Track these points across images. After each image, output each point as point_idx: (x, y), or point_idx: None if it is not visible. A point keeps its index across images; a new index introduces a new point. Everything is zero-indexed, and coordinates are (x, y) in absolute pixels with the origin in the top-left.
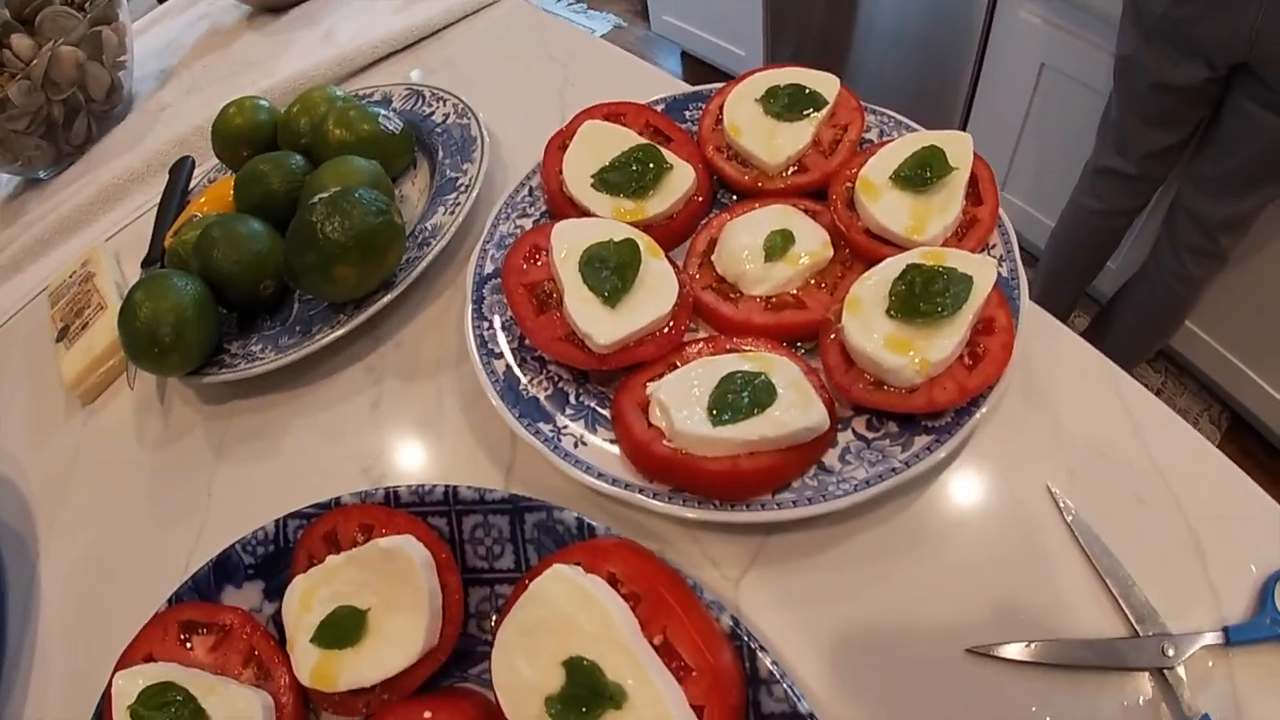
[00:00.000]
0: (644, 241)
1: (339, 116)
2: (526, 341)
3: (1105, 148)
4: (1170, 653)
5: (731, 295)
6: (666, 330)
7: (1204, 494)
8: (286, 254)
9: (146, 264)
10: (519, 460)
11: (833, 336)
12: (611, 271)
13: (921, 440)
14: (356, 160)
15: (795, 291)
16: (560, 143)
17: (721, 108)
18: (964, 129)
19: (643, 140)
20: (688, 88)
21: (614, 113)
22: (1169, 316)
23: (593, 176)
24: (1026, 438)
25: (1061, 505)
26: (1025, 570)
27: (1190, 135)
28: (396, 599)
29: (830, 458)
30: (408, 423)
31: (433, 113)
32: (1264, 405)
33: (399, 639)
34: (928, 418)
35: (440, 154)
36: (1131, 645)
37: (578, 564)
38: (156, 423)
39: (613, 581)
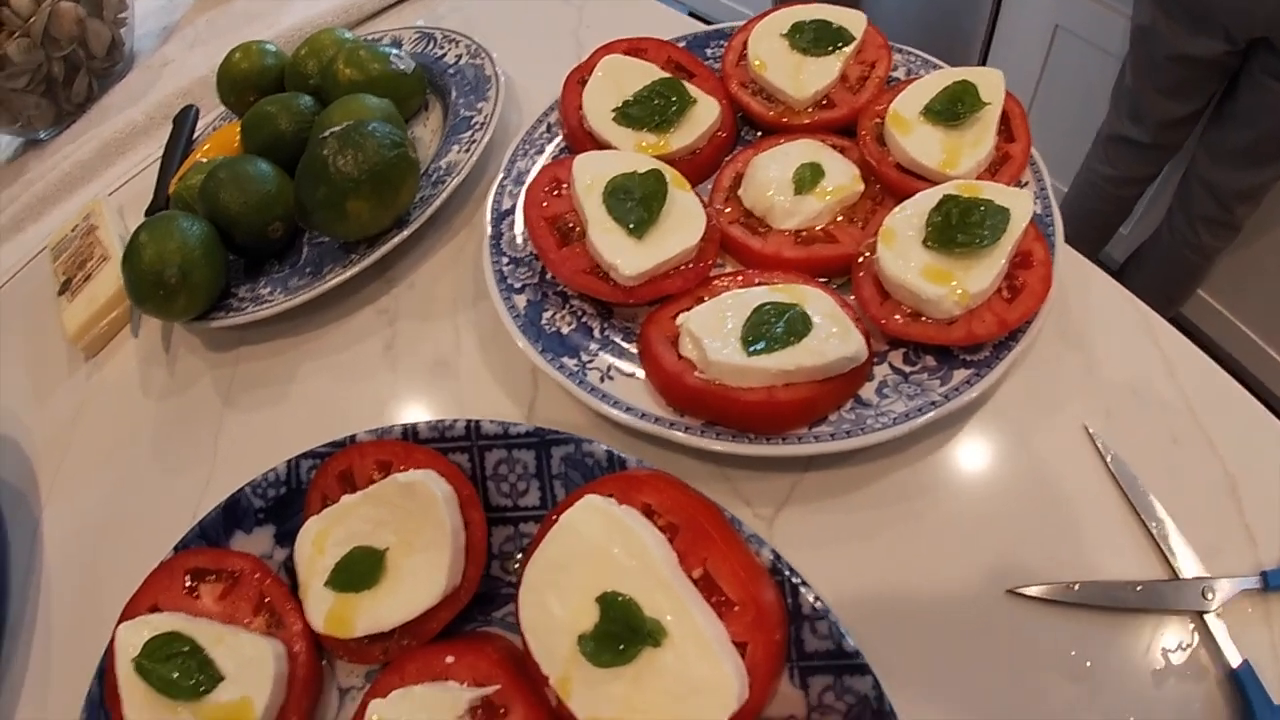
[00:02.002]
0: (669, 173)
1: (349, 56)
2: (548, 276)
3: (1119, 115)
4: (1209, 597)
5: (759, 229)
6: (693, 263)
7: (1238, 437)
8: (296, 191)
9: (151, 213)
10: (541, 397)
11: (866, 269)
12: (637, 203)
13: (960, 374)
14: (367, 98)
15: (825, 226)
16: (579, 77)
17: (745, 43)
18: None
19: (665, 74)
20: (707, 26)
21: (635, 48)
22: (1181, 284)
23: (614, 110)
24: (1063, 378)
25: (1100, 446)
26: (1064, 511)
27: (1205, 105)
28: (416, 537)
29: (867, 391)
30: (423, 364)
31: (445, 55)
32: (1275, 377)
33: (419, 580)
34: (966, 351)
35: (453, 94)
36: (1172, 588)
37: (610, 495)
38: (162, 373)
39: (648, 513)
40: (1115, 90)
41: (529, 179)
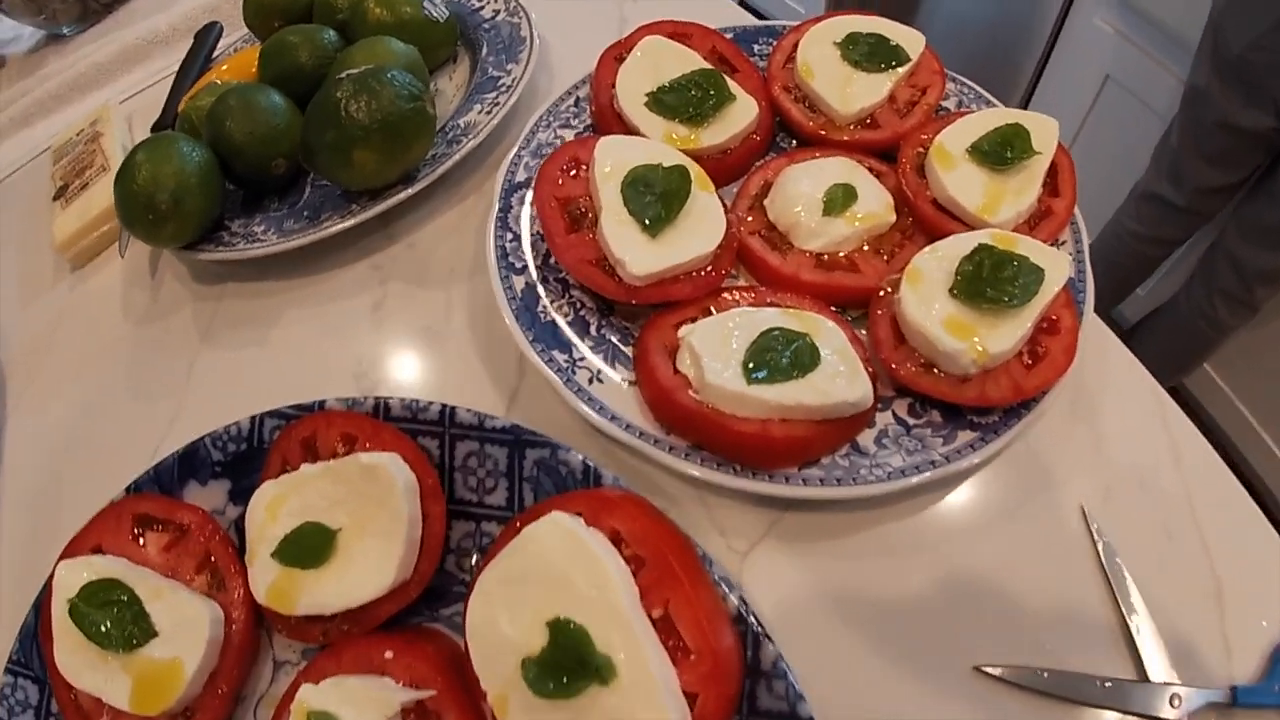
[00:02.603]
0: (695, 171)
1: None
2: (552, 260)
3: (1158, 174)
4: (1176, 705)
5: (780, 246)
6: (706, 271)
7: (1231, 539)
8: (304, 131)
9: (157, 128)
10: (525, 388)
11: (885, 307)
12: (656, 198)
13: (965, 436)
14: (393, 42)
15: (849, 253)
16: (617, 54)
17: (795, 46)
18: None
19: (707, 65)
20: (757, 21)
21: (679, 32)
22: (1191, 355)
23: (647, 95)
24: (1068, 450)
25: (1094, 530)
26: (1045, 591)
27: (1247, 178)
28: (371, 522)
29: (865, 438)
30: (410, 331)
31: (482, 7)
32: (1269, 469)
33: (368, 567)
34: (975, 412)
35: (484, 50)
36: (1140, 689)
37: (579, 514)
38: (144, 296)
39: (616, 539)
40: (1158, 149)
41: (549, 154)
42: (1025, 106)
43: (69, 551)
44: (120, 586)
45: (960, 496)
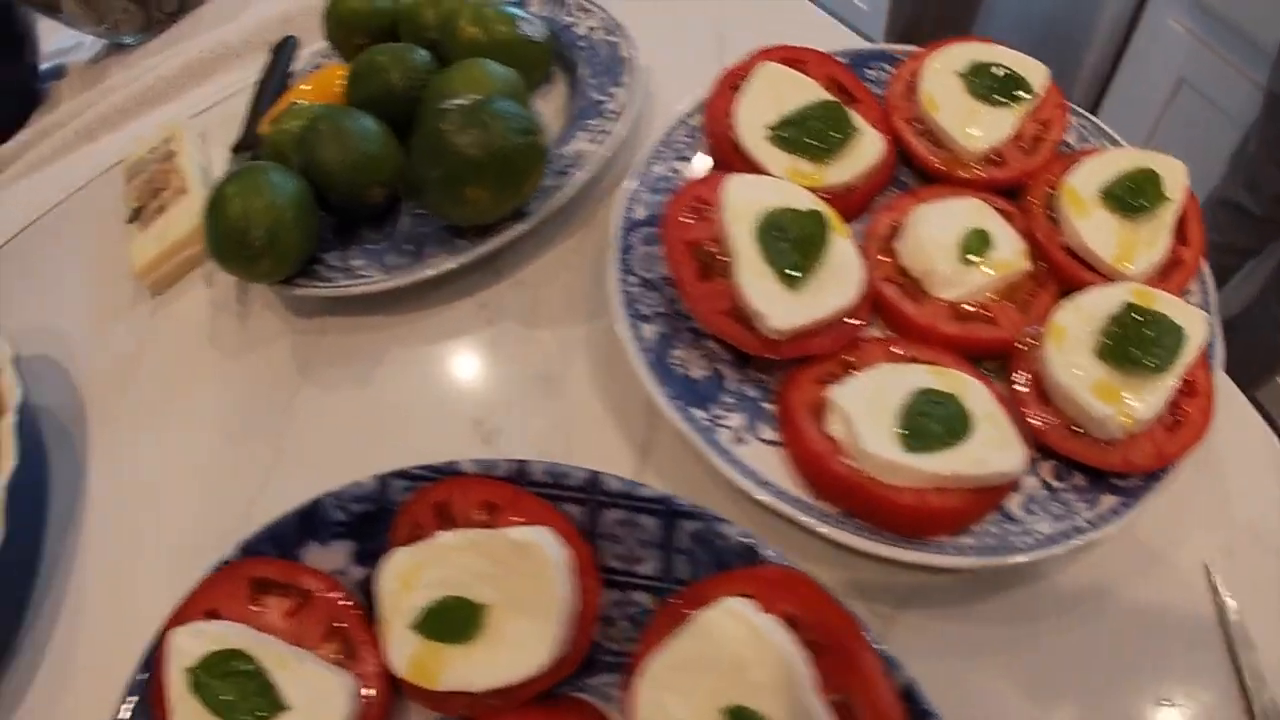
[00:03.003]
0: (828, 215)
1: (474, 13)
2: (679, 308)
3: (1235, 181)
4: None
5: (914, 293)
6: (845, 322)
7: None
8: (409, 163)
9: (238, 150)
10: (657, 442)
11: (1025, 364)
12: (793, 245)
13: (1108, 500)
14: (491, 65)
15: (983, 301)
16: (732, 82)
17: (914, 74)
18: None
19: (827, 96)
20: (861, 41)
21: (794, 58)
22: (1262, 366)
23: (769, 128)
24: (1194, 508)
25: (1216, 588)
26: (1166, 650)
27: None
28: (522, 599)
29: (1013, 503)
30: (527, 376)
31: (575, 24)
32: None
33: (520, 645)
34: (1116, 476)
35: (582, 71)
36: None
37: (750, 597)
38: (233, 326)
39: (791, 623)
40: (1235, 155)
41: (667, 189)
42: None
43: (181, 617)
44: (243, 656)
45: (1094, 557)
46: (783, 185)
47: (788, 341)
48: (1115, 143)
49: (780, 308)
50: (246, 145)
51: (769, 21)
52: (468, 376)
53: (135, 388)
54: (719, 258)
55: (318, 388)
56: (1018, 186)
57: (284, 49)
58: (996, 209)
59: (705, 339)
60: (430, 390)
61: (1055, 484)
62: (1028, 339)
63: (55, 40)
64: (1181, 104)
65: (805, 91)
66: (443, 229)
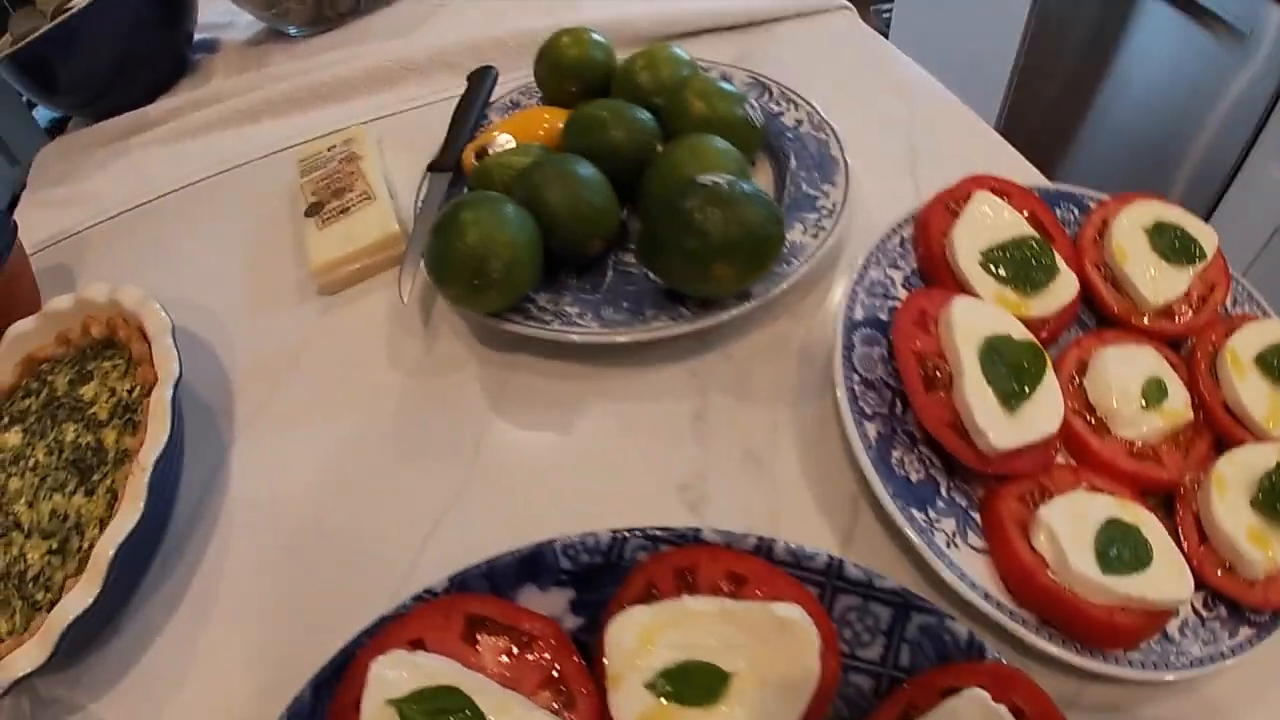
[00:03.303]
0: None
1: (701, 88)
2: (898, 410)
3: None
4: None
5: (1099, 429)
6: (1044, 447)
7: None
8: (650, 230)
9: (435, 169)
10: (859, 530)
11: (1188, 505)
12: (1010, 371)
13: (1245, 631)
14: (720, 143)
15: (1153, 443)
16: (946, 202)
17: (1105, 222)
18: None
19: (1032, 231)
20: (1041, 179)
21: (1000, 189)
22: None
23: (981, 253)
24: None
25: None
26: None
27: None
28: (771, 672)
29: (1171, 626)
30: (735, 450)
31: (782, 113)
32: None
33: (760, 717)
34: (1254, 611)
35: (793, 163)
36: None
37: (984, 688)
38: (416, 346)
39: (1018, 715)
40: None
41: (882, 294)
42: None
43: (385, 642)
44: (458, 695)
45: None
46: (1000, 312)
47: (998, 458)
48: (1264, 310)
49: (1000, 428)
50: (444, 167)
51: (952, 137)
52: (674, 441)
53: (293, 385)
54: (941, 371)
55: (511, 425)
56: (1181, 339)
57: (484, 80)
58: (1165, 358)
59: (919, 444)
60: (634, 448)
61: (1204, 612)
62: (1190, 483)
63: (209, 13)
64: (1275, 255)
65: (1013, 224)
66: (661, 292)
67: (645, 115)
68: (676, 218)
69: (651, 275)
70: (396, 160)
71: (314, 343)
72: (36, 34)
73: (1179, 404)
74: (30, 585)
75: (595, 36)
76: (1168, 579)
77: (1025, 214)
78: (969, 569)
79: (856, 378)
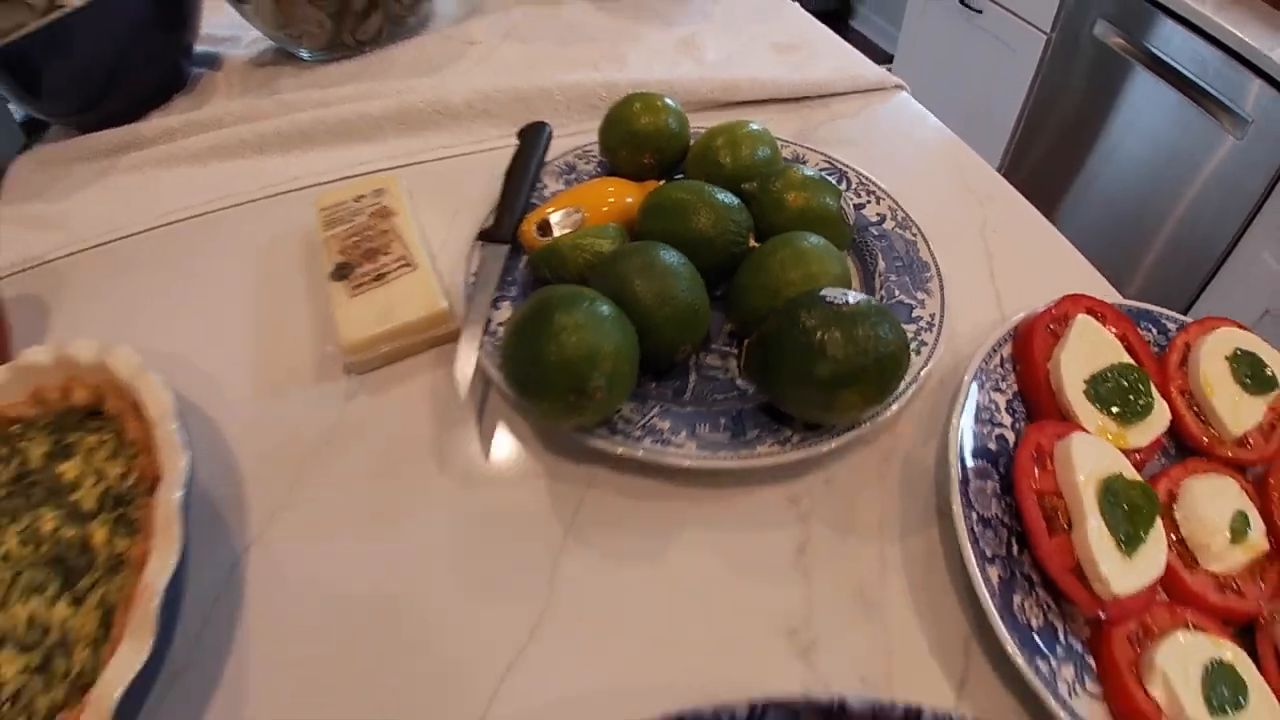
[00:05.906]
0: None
1: (800, 181)
2: (1014, 551)
3: None
4: None
5: (1188, 562)
6: (1151, 588)
7: None
8: (767, 348)
9: (487, 238)
10: (972, 675)
11: (1266, 636)
12: (1127, 514)
13: None
14: (822, 244)
15: (1234, 574)
16: (1047, 323)
17: (1188, 347)
18: None
19: (1129, 359)
20: (1116, 293)
21: (1096, 309)
22: None
23: (1085, 382)
24: None
25: None
26: None
27: None
28: None
29: None
30: (842, 588)
31: (864, 205)
32: None
33: None
34: None
35: (880, 264)
36: None
37: None
38: (469, 447)
39: None
40: None
41: (988, 420)
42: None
43: None
44: None
45: None
46: (1110, 449)
47: (1114, 603)
48: None
49: (1120, 573)
50: (499, 238)
51: (1024, 238)
52: (777, 578)
53: (319, 482)
54: (1060, 512)
55: (591, 553)
56: (1255, 466)
57: (538, 137)
58: (1242, 488)
59: (1037, 587)
60: (734, 584)
61: None
62: (1271, 614)
63: (210, 24)
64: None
65: (1113, 350)
66: (761, 409)
67: (735, 202)
68: (800, 338)
69: (752, 390)
70: (427, 216)
71: (342, 432)
72: (24, 31)
73: (1257, 537)
74: (6, 707)
75: (669, 102)
76: (1267, 716)
77: (1116, 332)
78: (1089, 718)
79: (975, 515)
